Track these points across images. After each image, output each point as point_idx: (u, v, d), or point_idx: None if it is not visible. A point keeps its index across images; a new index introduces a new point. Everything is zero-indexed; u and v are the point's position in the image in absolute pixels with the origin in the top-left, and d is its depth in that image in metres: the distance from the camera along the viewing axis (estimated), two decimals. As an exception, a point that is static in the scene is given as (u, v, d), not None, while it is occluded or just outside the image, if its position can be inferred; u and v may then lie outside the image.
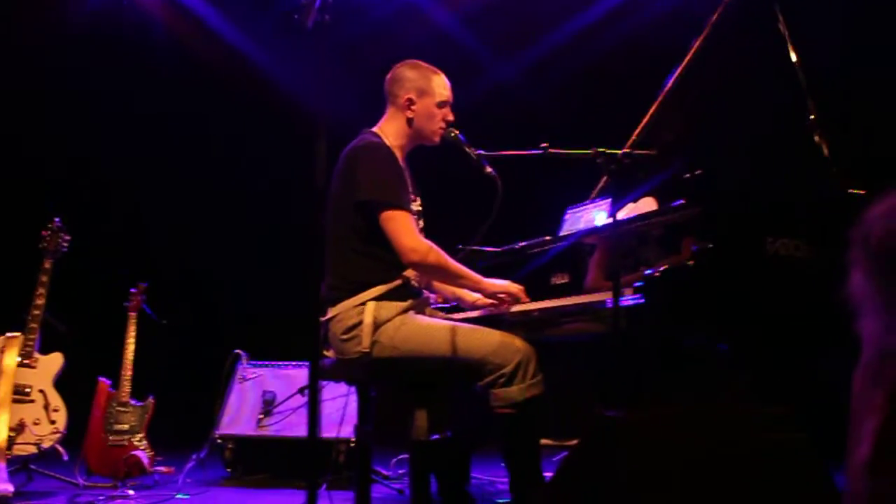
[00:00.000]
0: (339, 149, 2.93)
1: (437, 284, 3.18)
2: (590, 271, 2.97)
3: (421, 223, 2.98)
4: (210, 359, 4.64)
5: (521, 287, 2.95)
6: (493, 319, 2.96)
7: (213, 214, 5.97)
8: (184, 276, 5.99)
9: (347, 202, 2.86)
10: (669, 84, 3.17)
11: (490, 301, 2.99)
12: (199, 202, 5.97)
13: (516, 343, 2.77)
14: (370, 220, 2.83)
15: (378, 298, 2.84)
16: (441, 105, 3.02)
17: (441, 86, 3.03)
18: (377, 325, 2.81)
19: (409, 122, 3.00)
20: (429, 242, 2.83)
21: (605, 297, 2.59)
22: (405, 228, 2.81)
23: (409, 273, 2.90)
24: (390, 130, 3.01)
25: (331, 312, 2.88)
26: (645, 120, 3.22)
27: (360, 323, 2.82)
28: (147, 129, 5.90)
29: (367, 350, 2.81)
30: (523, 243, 3.24)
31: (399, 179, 2.88)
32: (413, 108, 2.99)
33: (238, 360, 4.44)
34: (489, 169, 2.96)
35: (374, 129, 3.03)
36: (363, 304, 2.83)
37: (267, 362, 4.46)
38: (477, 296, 3.04)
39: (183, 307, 5.44)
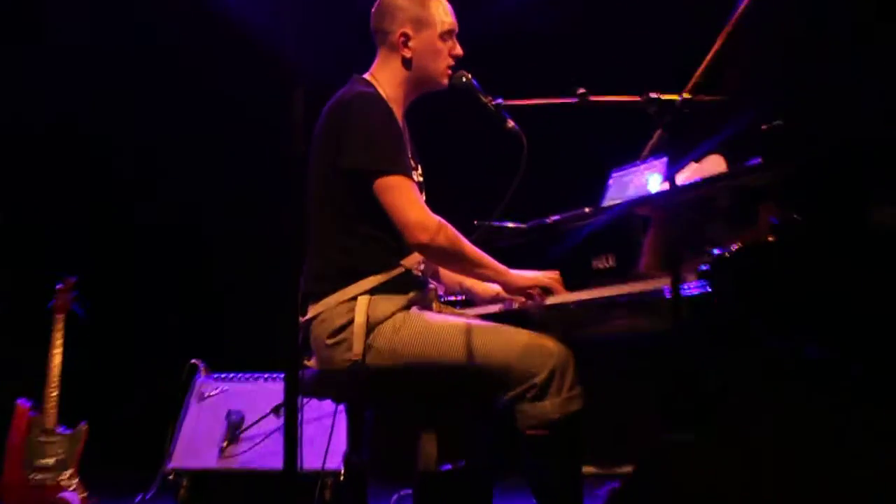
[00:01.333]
0: (321, 103, 2.96)
1: (442, 273, 3.21)
2: (642, 252, 2.98)
3: (422, 197, 3.00)
4: (159, 371, 4.67)
5: (556, 275, 2.98)
6: (518, 315, 2.98)
7: (162, 187, 5.98)
8: (124, 267, 6.00)
9: (332, 169, 2.88)
10: (742, 5, 3.16)
11: (519, 299, 3.01)
12: (144, 171, 5.97)
13: (549, 345, 2.80)
14: (361, 192, 2.85)
15: (372, 291, 2.86)
16: (445, 36, 3.04)
17: (442, 11, 3.05)
18: (371, 326, 2.83)
19: (407, 63, 3.03)
20: (439, 218, 2.85)
21: (662, 284, 2.62)
22: (408, 200, 2.83)
23: (412, 258, 2.93)
24: (385, 77, 3.04)
25: (312, 310, 2.91)
26: (710, 55, 3.21)
27: (350, 323, 2.84)
28: (70, 75, 5.90)
29: (359, 357, 2.83)
30: (556, 217, 3.25)
31: (397, 139, 2.91)
32: (410, 44, 3.02)
33: (195, 373, 4.46)
34: (511, 123, 2.97)
35: (366, 74, 3.06)
36: (353, 298, 2.85)
37: (232, 374, 4.49)
38: (497, 289, 3.06)
39: (124, 306, 5.46)
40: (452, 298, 3.30)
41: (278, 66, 2.11)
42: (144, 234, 6.00)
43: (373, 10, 3.09)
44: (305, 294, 2.91)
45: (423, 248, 2.85)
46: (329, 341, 2.86)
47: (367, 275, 2.87)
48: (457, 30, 3.07)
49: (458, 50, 3.06)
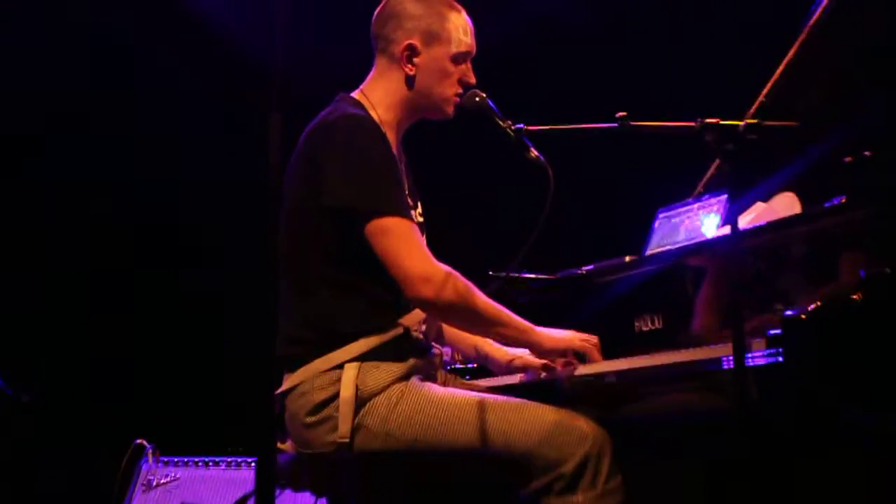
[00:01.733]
0: (302, 126, 2.96)
1: (451, 334, 3.21)
2: (696, 311, 2.98)
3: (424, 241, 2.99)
4: (97, 453, 4.62)
5: (593, 340, 2.97)
6: (543, 388, 2.97)
7: (107, 220, 5.95)
8: (52, 322, 5.97)
9: (312, 207, 2.88)
10: (817, 13, 3.17)
11: (541, 361, 3.01)
12: (85, 200, 5.95)
13: (581, 426, 2.78)
14: (348, 235, 2.85)
15: (362, 358, 2.84)
16: (459, 59, 3.06)
17: (461, 29, 3.07)
18: (362, 401, 2.81)
19: (408, 81, 3.04)
20: (445, 267, 2.84)
21: (722, 352, 2.59)
22: (407, 246, 2.82)
23: (413, 317, 2.91)
24: (379, 95, 3.05)
25: (288, 381, 2.88)
26: (779, 70, 3.22)
27: (335, 397, 2.82)
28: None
29: (346, 440, 2.81)
30: (589, 267, 3.26)
31: (392, 171, 2.91)
32: (415, 60, 3.03)
33: (141, 456, 4.42)
34: (534, 152, 2.98)
35: (355, 93, 3.07)
36: (339, 367, 2.83)
37: (188, 458, 4.46)
38: (520, 353, 3.05)
39: (51, 373, 5.43)
40: (461, 366, 3.31)
41: (250, 87, 2.08)
42: (84, 283, 5.97)
43: (377, 11, 3.10)
44: (280, 359, 2.89)
45: (427, 304, 2.85)
46: (309, 419, 2.84)
47: (355, 337, 2.85)
48: (474, 53, 3.10)
49: (471, 77, 3.08)
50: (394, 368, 2.85)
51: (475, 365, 3.25)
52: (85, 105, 5.85)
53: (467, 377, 3.23)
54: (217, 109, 5.64)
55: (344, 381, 2.81)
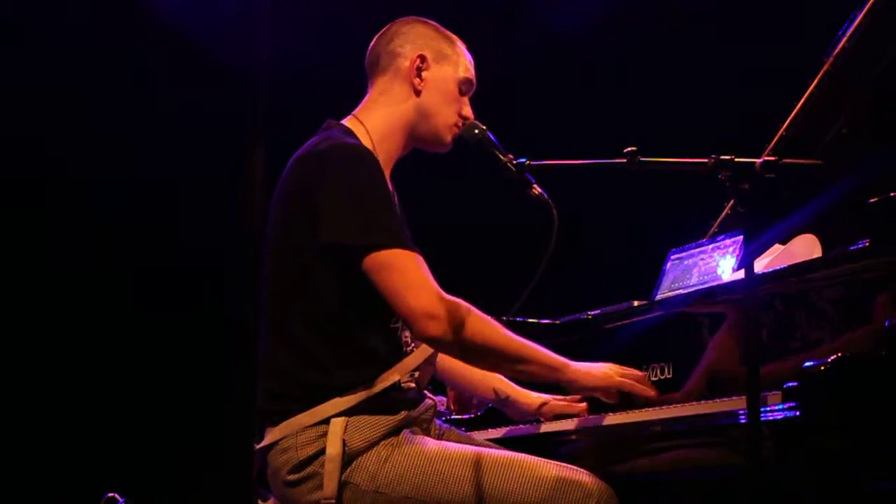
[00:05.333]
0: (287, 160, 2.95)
1: (465, 375, 3.19)
2: (707, 359, 2.96)
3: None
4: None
5: (635, 373, 2.96)
6: (540, 441, 2.97)
7: (79, 263, 5.92)
8: (21, 373, 5.93)
9: (304, 247, 2.83)
10: (843, 39, 3.18)
11: (580, 406, 3.04)
12: (55, 239, 5.92)
13: (586, 482, 2.75)
14: (343, 277, 2.81)
15: (349, 412, 2.79)
16: (462, 86, 3.09)
17: (466, 59, 3.11)
18: (349, 458, 2.77)
19: (415, 96, 3.04)
20: (456, 300, 2.80)
21: (736, 405, 2.59)
22: (412, 279, 2.76)
23: (403, 366, 2.88)
24: (376, 121, 3.03)
25: (271, 435, 2.83)
26: (799, 104, 3.24)
27: (320, 454, 2.77)
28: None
29: (332, 499, 2.77)
30: (596, 312, 3.26)
31: (389, 203, 2.88)
32: (425, 74, 3.03)
33: (114, 511, 4.37)
34: (537, 189, 2.97)
35: (347, 120, 3.04)
36: (325, 421, 2.78)
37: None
38: (547, 397, 3.06)
39: (15, 424, 5.39)
40: (457, 416, 3.29)
41: (233, 117, 2.02)
42: (53, 330, 5.95)
43: (379, 34, 3.11)
44: (261, 413, 2.87)
45: (437, 342, 2.81)
46: (291, 477, 2.80)
47: (342, 390, 2.81)
48: (475, 87, 3.12)
49: (470, 113, 3.09)
50: (383, 422, 2.81)
51: (472, 415, 3.20)
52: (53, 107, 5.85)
53: (463, 429, 3.21)
54: (194, 141, 5.60)
55: (330, 436, 2.77)
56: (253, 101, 1.76)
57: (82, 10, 5.75)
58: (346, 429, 2.78)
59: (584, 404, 3.07)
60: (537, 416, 3.11)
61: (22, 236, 5.84)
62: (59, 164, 5.85)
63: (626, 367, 2.97)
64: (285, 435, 2.81)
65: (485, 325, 2.82)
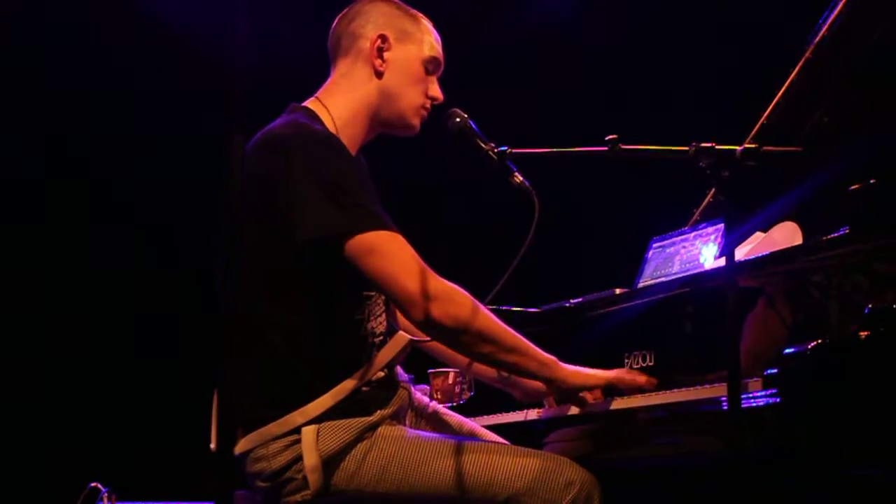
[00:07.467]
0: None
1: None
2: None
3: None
4: (49, 498, 4.53)
5: (640, 378, 2.92)
6: (523, 428, 2.98)
7: (57, 258, 5.93)
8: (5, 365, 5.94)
9: (275, 243, 2.76)
10: (824, 25, 3.17)
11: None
12: (46, 233, 5.93)
13: (568, 471, 2.75)
14: (319, 273, 2.76)
15: (319, 419, 2.72)
16: (428, 65, 3.01)
17: (432, 37, 3.03)
18: (325, 464, 2.72)
19: (378, 76, 2.96)
20: (450, 284, 2.75)
21: (716, 392, 2.60)
22: (403, 261, 2.70)
23: (377, 362, 2.81)
24: (339, 104, 2.95)
25: (243, 443, 2.77)
26: (781, 91, 3.22)
27: (294, 462, 2.73)
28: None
29: (312, 494, 2.74)
30: (577, 300, 3.25)
31: (366, 186, 2.83)
32: (386, 55, 2.96)
33: (96, 500, 4.37)
34: (519, 177, 2.95)
35: (309, 102, 2.97)
36: (296, 430, 2.73)
37: (145, 503, 4.40)
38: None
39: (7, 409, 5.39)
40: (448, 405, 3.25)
41: (209, 102, 2.04)
42: (33, 323, 5.94)
43: (341, 14, 3.04)
44: (238, 416, 2.73)
45: (437, 327, 2.73)
46: (266, 484, 2.77)
47: (312, 395, 2.74)
48: (442, 67, 3.04)
49: (438, 93, 3.02)
50: (356, 424, 2.74)
51: (454, 404, 3.23)
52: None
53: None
54: (171, 135, 5.59)
55: (305, 448, 2.70)
56: (229, 87, 1.76)
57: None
58: (318, 438, 2.71)
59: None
60: (544, 397, 3.07)
61: (7, 231, 5.85)
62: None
63: (622, 370, 2.97)
64: (256, 444, 2.75)
65: (483, 312, 2.77)
